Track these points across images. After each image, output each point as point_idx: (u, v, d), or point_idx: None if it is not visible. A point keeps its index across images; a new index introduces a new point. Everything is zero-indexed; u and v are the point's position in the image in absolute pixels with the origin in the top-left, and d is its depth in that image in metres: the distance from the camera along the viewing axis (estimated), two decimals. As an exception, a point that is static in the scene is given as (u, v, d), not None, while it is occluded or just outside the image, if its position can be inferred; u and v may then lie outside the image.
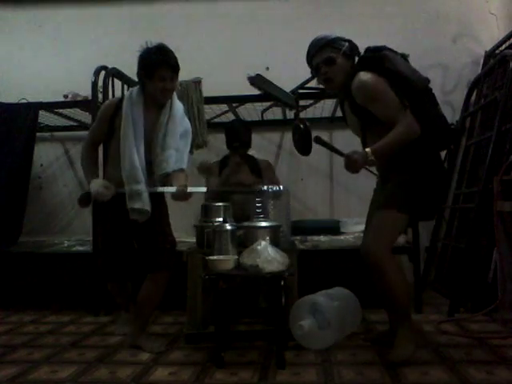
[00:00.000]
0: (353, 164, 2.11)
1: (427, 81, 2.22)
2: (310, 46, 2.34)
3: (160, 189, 2.41)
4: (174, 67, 2.35)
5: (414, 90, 2.14)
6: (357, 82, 2.15)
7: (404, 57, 2.28)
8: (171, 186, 2.39)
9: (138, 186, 2.32)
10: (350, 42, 2.31)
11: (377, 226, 2.22)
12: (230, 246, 2.32)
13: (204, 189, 2.66)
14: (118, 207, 2.35)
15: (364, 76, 2.14)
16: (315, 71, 2.34)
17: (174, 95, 2.47)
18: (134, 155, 2.33)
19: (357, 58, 2.30)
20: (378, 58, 2.18)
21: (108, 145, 2.49)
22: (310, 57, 2.34)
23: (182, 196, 2.32)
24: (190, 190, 2.32)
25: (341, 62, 2.26)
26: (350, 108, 2.28)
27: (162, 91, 2.34)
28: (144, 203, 2.33)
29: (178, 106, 2.49)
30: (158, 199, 2.44)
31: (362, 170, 2.21)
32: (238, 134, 3.27)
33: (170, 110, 2.42)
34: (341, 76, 2.26)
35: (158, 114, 2.41)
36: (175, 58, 2.36)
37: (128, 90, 3.08)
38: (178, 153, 2.42)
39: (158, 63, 2.31)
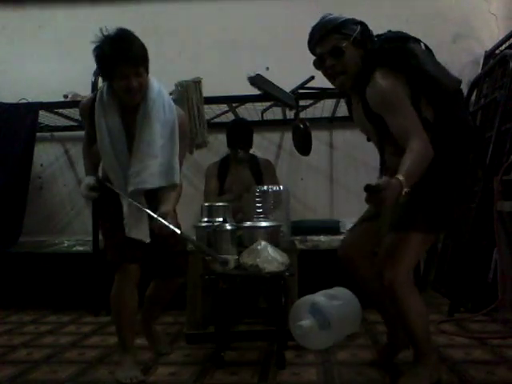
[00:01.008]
0: (384, 200, 1.54)
1: (459, 82, 1.90)
2: (313, 28, 1.92)
3: (143, 209, 2.03)
4: (137, 60, 1.91)
5: (443, 93, 1.82)
6: (375, 86, 1.78)
7: (428, 49, 1.90)
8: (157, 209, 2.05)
9: (128, 210, 2.03)
10: (361, 24, 1.90)
11: (398, 253, 1.82)
12: (230, 246, 2.31)
13: (178, 231, 2.06)
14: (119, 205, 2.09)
15: (382, 80, 1.77)
16: (318, 62, 1.93)
17: (151, 89, 2.03)
18: (117, 172, 2.05)
19: (369, 46, 1.88)
20: (402, 53, 1.80)
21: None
22: (313, 43, 1.92)
23: (157, 228, 1.99)
24: (167, 223, 1.96)
25: (350, 52, 1.84)
26: (363, 109, 1.89)
27: (126, 91, 1.95)
28: (141, 232, 2.05)
29: (154, 100, 2.04)
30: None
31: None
32: (240, 134, 3.27)
33: (144, 108, 2.02)
34: (351, 70, 1.86)
35: (135, 115, 2.03)
36: (138, 47, 1.93)
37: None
38: (162, 163, 2.05)
39: (114, 60, 1.89)
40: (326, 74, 1.94)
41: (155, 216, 1.97)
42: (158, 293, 2.34)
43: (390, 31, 1.94)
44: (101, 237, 3.06)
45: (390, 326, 2.20)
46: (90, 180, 2.11)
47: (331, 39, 1.85)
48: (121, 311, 2.07)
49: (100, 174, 2.23)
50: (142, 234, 2.06)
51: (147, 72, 2.00)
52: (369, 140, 2.04)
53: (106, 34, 1.92)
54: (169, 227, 1.96)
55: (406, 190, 1.56)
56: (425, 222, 1.80)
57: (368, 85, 1.81)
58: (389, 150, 1.91)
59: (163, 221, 1.96)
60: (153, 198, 2.10)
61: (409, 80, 1.79)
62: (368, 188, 1.51)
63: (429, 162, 1.68)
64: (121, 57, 1.88)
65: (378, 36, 1.92)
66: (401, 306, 1.84)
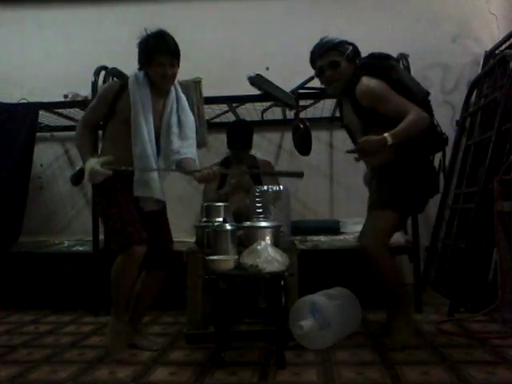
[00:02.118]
0: (368, 148, 2.19)
1: (427, 94, 2.40)
2: (314, 47, 2.43)
3: (182, 171, 2.41)
4: (173, 52, 2.30)
5: (414, 100, 2.27)
6: (363, 86, 2.28)
7: (404, 57, 2.51)
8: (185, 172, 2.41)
9: (150, 174, 2.33)
10: (353, 45, 2.41)
11: (371, 224, 2.39)
12: (230, 246, 2.32)
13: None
14: (124, 191, 2.32)
15: (369, 81, 2.28)
16: (318, 73, 2.45)
17: (178, 84, 2.47)
18: (147, 143, 2.30)
19: (358, 62, 2.42)
20: (385, 67, 2.33)
21: (107, 126, 2.42)
22: (315, 58, 2.43)
23: (209, 177, 2.28)
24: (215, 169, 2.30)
25: (344, 65, 2.37)
26: (353, 110, 2.38)
27: (161, 77, 2.31)
28: (156, 192, 2.35)
29: (184, 97, 2.51)
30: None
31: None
32: (240, 134, 3.27)
33: (176, 99, 2.43)
34: (344, 79, 2.38)
35: (164, 102, 2.40)
36: (175, 44, 2.33)
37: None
38: (191, 144, 2.44)
39: (155, 49, 2.28)
40: (323, 82, 2.49)
41: (194, 171, 2.31)
42: (145, 286, 2.42)
43: (372, 53, 2.45)
44: (101, 237, 3.10)
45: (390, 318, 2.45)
46: (98, 161, 2.26)
47: (330, 55, 2.38)
48: (121, 285, 2.27)
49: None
50: (155, 192, 2.36)
51: (178, 66, 2.35)
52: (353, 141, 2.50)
53: (149, 32, 2.31)
54: (214, 171, 2.26)
55: (390, 141, 2.14)
56: (393, 202, 2.33)
57: (356, 86, 2.30)
58: None
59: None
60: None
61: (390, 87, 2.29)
62: (358, 146, 2.22)
63: (424, 124, 2.22)
64: (162, 47, 2.27)
65: (368, 55, 2.44)
66: (375, 265, 2.31)
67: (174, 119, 2.40)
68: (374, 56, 2.42)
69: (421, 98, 2.33)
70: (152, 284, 2.44)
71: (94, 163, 2.26)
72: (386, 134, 2.15)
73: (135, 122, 2.29)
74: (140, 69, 2.38)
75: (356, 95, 2.32)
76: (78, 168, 2.46)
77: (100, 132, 2.59)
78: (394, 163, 2.35)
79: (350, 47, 2.40)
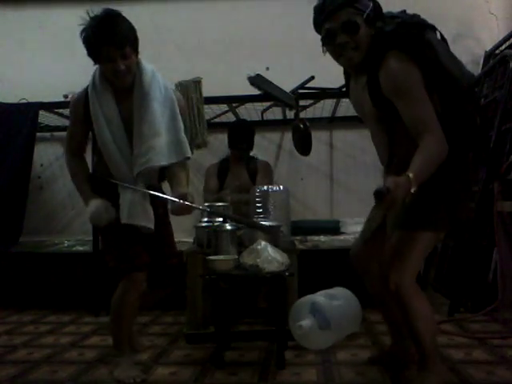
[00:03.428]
0: (395, 200, 1.50)
1: (473, 77, 1.82)
2: (322, 2, 1.75)
3: (155, 193, 2.03)
4: (122, 42, 1.87)
5: (456, 88, 1.72)
6: (389, 71, 1.68)
7: (444, 38, 1.81)
8: (172, 188, 2.07)
9: (133, 198, 1.99)
10: (374, 1, 1.75)
11: (403, 253, 1.77)
12: (230, 246, 2.32)
13: (207, 209, 2.38)
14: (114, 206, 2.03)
15: (397, 63, 1.67)
16: (327, 39, 1.77)
17: (144, 71, 2.00)
18: (119, 162, 1.99)
19: (381, 26, 1.76)
20: (419, 42, 1.69)
21: (94, 143, 2.12)
22: (322, 18, 1.74)
23: (180, 210, 1.99)
24: (189, 203, 1.97)
25: (363, 29, 1.72)
26: (370, 95, 1.78)
27: (114, 74, 1.93)
28: (139, 218, 2.00)
29: (149, 76, 2.02)
30: (159, 205, 2.14)
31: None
32: (242, 134, 3.27)
33: (140, 89, 1.99)
34: (363, 49, 1.74)
35: (131, 97, 2.00)
36: (123, 29, 1.91)
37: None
38: (169, 140, 2.02)
39: (98, 42, 1.88)
40: (332, 52, 1.80)
41: (173, 199, 1.96)
42: (143, 299, 2.19)
43: (404, 12, 1.83)
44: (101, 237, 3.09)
45: (395, 333, 2.15)
46: (103, 203, 1.99)
47: (344, 13, 1.70)
48: (123, 316, 2.08)
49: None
50: (150, 221, 2.02)
51: (136, 53, 1.97)
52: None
53: (91, 15, 1.91)
54: (190, 207, 1.96)
55: (413, 189, 1.51)
56: (432, 220, 1.75)
57: (381, 67, 1.70)
58: (396, 138, 1.81)
59: (183, 202, 1.96)
60: (155, 188, 2.09)
61: (423, 71, 1.69)
62: (378, 194, 1.46)
63: (441, 161, 1.61)
64: (105, 39, 1.86)
65: (391, 17, 1.78)
66: (407, 310, 1.78)
67: (137, 117, 1.99)
68: (404, 23, 1.74)
69: (465, 84, 1.74)
70: (151, 299, 2.34)
71: (99, 206, 1.99)
72: (411, 176, 1.51)
73: (100, 137, 1.98)
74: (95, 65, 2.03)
75: (379, 77, 1.70)
76: None
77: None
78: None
79: (371, 4, 1.72)
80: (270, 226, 2.38)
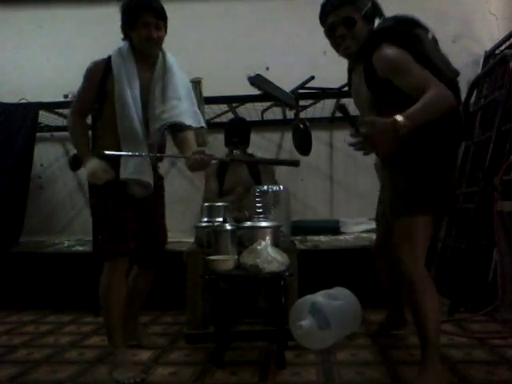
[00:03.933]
0: (375, 136, 1.73)
1: (457, 74, 1.97)
2: (327, 1, 2.05)
3: (170, 155, 2.27)
4: (158, 12, 2.11)
5: (440, 79, 1.83)
6: (382, 54, 1.87)
7: (435, 39, 2.00)
8: (184, 152, 2.17)
9: (138, 152, 2.10)
10: (373, 1, 2.01)
11: (405, 235, 1.91)
12: (229, 246, 2.32)
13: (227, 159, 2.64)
14: (116, 187, 2.13)
15: (389, 49, 1.86)
16: (329, 31, 2.05)
17: (168, 54, 2.24)
18: (134, 119, 2.10)
19: (379, 22, 2.02)
20: (410, 36, 1.90)
21: (99, 112, 2.20)
22: (326, 13, 2.03)
23: (198, 164, 2.09)
24: (207, 156, 2.08)
25: (360, 24, 1.97)
26: (365, 80, 1.96)
27: (147, 39, 2.11)
28: (144, 174, 2.12)
29: (172, 59, 2.26)
30: (159, 177, 2.30)
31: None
32: (237, 129, 3.28)
33: (163, 63, 2.20)
34: (359, 41, 1.98)
35: (152, 71, 2.18)
36: (159, 4, 2.13)
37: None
38: (187, 107, 2.21)
39: (138, 7, 2.09)
40: (333, 43, 2.05)
41: (189, 156, 2.09)
42: (137, 283, 2.37)
43: (395, 16, 2.02)
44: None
45: (392, 307, 2.45)
46: (101, 162, 2.08)
47: (345, 10, 1.97)
48: (111, 301, 2.13)
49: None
50: (151, 178, 2.16)
51: (166, 31, 2.17)
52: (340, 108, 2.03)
53: None
54: (208, 160, 2.10)
55: (404, 122, 1.65)
56: (424, 203, 1.89)
57: (374, 53, 1.89)
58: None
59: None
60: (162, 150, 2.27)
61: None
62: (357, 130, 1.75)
63: (448, 104, 1.75)
64: (145, 6, 2.08)
65: (392, 17, 2.00)
66: (417, 298, 1.88)
67: (159, 84, 2.17)
68: (398, 20, 1.97)
69: (448, 79, 1.88)
70: (144, 281, 2.40)
71: (95, 165, 2.09)
72: (397, 116, 1.68)
73: (120, 97, 2.10)
74: (125, 36, 2.20)
75: (373, 62, 1.90)
76: (72, 154, 2.34)
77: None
78: (408, 153, 1.89)
79: (369, 3, 1.99)
80: (293, 160, 2.46)
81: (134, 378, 2.00)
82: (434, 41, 2.00)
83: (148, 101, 2.16)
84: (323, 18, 2.05)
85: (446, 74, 1.88)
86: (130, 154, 2.09)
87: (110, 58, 2.18)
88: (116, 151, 2.09)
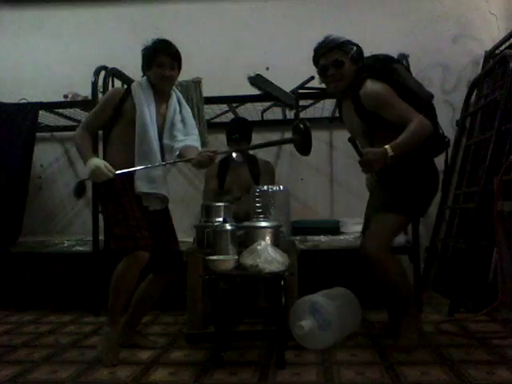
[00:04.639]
0: (370, 163, 2.13)
1: (431, 96, 2.37)
2: (318, 45, 2.39)
3: (179, 160, 2.44)
4: (173, 54, 2.37)
5: (419, 103, 2.25)
6: (368, 89, 2.24)
7: (405, 57, 2.46)
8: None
9: (155, 170, 2.34)
10: (357, 46, 2.38)
11: (376, 228, 2.32)
12: (230, 246, 2.32)
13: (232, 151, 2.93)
14: (128, 193, 2.29)
15: (374, 85, 2.24)
16: (321, 71, 2.40)
17: (177, 91, 2.53)
18: (153, 140, 2.33)
19: (361, 63, 2.37)
20: (389, 71, 2.29)
21: (112, 129, 2.41)
22: (318, 56, 2.39)
23: (206, 160, 2.29)
24: (212, 152, 2.32)
25: (348, 65, 2.33)
26: (356, 112, 2.33)
27: (160, 78, 2.35)
28: (161, 188, 2.37)
29: (182, 97, 2.58)
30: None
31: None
32: (238, 126, 3.28)
33: (178, 102, 2.50)
34: (347, 79, 2.34)
35: (167, 105, 2.44)
36: (176, 48, 2.40)
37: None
38: (195, 139, 2.49)
39: (156, 50, 2.35)
40: (325, 81, 2.43)
41: (190, 159, 2.33)
42: (148, 290, 2.44)
43: (375, 55, 2.42)
44: (101, 237, 3.10)
45: (392, 319, 2.48)
46: (102, 161, 2.26)
47: (334, 54, 2.34)
48: (120, 289, 2.24)
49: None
50: (167, 192, 2.43)
51: (179, 72, 2.43)
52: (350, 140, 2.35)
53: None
54: (214, 156, 2.31)
55: (390, 153, 2.09)
56: (399, 206, 2.30)
57: (360, 89, 2.27)
58: (375, 143, 2.29)
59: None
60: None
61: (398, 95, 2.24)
62: (360, 161, 2.14)
63: (428, 132, 2.17)
64: (162, 49, 2.36)
65: (372, 56, 2.41)
66: (380, 269, 2.27)
67: (178, 118, 2.45)
68: (377, 58, 2.37)
69: (425, 101, 2.31)
70: (156, 288, 2.45)
71: (97, 162, 2.24)
72: (386, 146, 2.10)
73: (141, 118, 2.31)
74: (143, 76, 2.44)
75: (360, 98, 2.28)
76: (78, 180, 2.43)
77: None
78: (396, 166, 2.25)
79: (355, 48, 2.37)
80: (289, 138, 2.64)
81: (112, 361, 2.17)
82: (407, 69, 2.49)
83: (164, 130, 2.41)
84: (316, 60, 2.40)
85: (423, 98, 2.30)
86: (137, 168, 2.28)
87: (129, 86, 2.42)
88: (127, 163, 2.27)
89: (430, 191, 2.40)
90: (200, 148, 2.45)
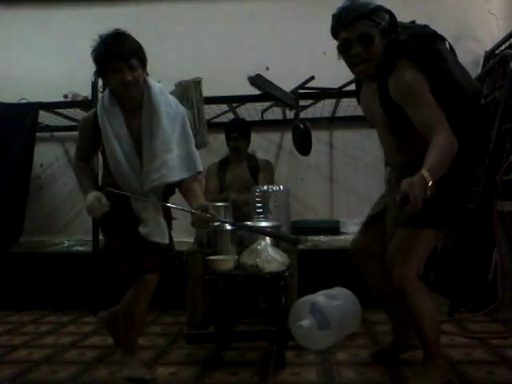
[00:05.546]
0: (415, 198, 1.50)
1: (479, 90, 1.90)
2: (340, 11, 1.82)
3: (171, 205, 2.10)
4: (128, 53, 1.93)
5: (463, 97, 1.80)
6: (400, 77, 1.74)
7: (452, 49, 1.89)
8: (189, 202, 2.05)
9: (146, 213, 1.99)
10: (390, 14, 1.79)
11: (407, 245, 1.85)
12: (230, 246, 2.32)
13: (231, 221, 2.35)
14: (126, 216, 2.03)
15: (407, 72, 1.73)
16: (342, 48, 1.83)
17: (152, 88, 2.03)
18: (128, 175, 1.99)
19: (394, 36, 1.81)
20: (431, 52, 1.76)
21: (104, 154, 2.11)
22: (339, 27, 1.81)
23: (203, 222, 1.98)
24: (212, 213, 1.94)
25: (378, 41, 1.77)
26: (380, 100, 1.83)
27: (121, 85, 1.95)
28: (159, 234, 2.01)
29: (158, 91, 2.05)
30: (165, 219, 2.12)
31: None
32: (236, 125, 3.29)
33: (149, 105, 2.01)
34: (376, 59, 1.79)
35: (140, 115, 2.02)
36: (129, 43, 1.97)
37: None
38: (180, 155, 2.03)
39: (106, 55, 1.94)
40: (347, 61, 1.86)
41: (194, 211, 1.95)
42: (137, 297, 2.08)
43: (413, 22, 1.91)
44: (101, 237, 3.09)
45: (397, 326, 2.18)
46: (97, 194, 1.99)
47: (361, 25, 1.76)
48: (135, 320, 2.04)
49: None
50: (164, 236, 2.04)
51: (143, 67, 2.00)
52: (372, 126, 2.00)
53: (101, 36, 1.98)
54: (212, 219, 1.96)
55: (430, 182, 1.52)
56: (435, 218, 1.80)
57: (391, 75, 1.76)
58: (406, 143, 1.86)
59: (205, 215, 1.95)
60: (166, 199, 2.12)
61: (431, 80, 1.75)
62: (403, 199, 1.50)
63: (453, 155, 1.64)
64: (112, 51, 1.93)
65: (404, 27, 1.85)
66: (411, 304, 1.84)
67: (146, 136, 2.01)
68: (415, 33, 1.80)
69: (471, 95, 1.81)
70: (147, 295, 2.11)
71: (91, 197, 1.98)
72: (423, 172, 1.53)
73: (111, 154, 2.00)
74: (104, 83, 2.11)
75: (388, 84, 1.77)
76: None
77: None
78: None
79: (387, 16, 1.77)
80: (295, 237, 2.33)
81: (144, 375, 1.97)
82: (453, 51, 1.88)
83: (142, 149, 2.02)
84: (336, 32, 1.84)
85: (468, 90, 1.80)
86: (134, 195, 2.00)
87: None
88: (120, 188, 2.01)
89: (465, 198, 1.93)
90: (198, 165, 2.07)
